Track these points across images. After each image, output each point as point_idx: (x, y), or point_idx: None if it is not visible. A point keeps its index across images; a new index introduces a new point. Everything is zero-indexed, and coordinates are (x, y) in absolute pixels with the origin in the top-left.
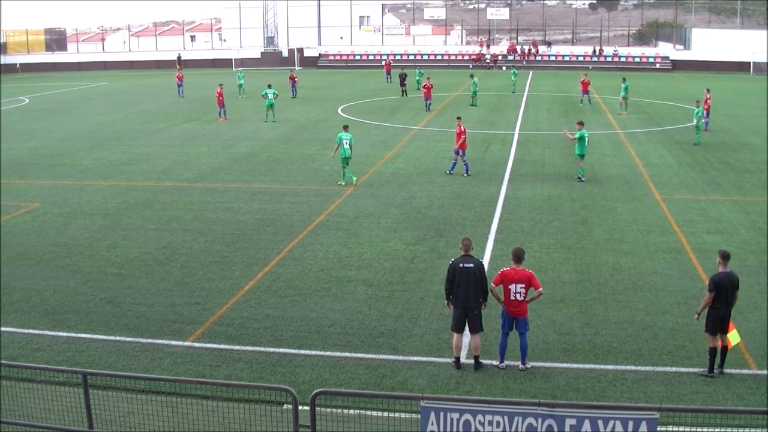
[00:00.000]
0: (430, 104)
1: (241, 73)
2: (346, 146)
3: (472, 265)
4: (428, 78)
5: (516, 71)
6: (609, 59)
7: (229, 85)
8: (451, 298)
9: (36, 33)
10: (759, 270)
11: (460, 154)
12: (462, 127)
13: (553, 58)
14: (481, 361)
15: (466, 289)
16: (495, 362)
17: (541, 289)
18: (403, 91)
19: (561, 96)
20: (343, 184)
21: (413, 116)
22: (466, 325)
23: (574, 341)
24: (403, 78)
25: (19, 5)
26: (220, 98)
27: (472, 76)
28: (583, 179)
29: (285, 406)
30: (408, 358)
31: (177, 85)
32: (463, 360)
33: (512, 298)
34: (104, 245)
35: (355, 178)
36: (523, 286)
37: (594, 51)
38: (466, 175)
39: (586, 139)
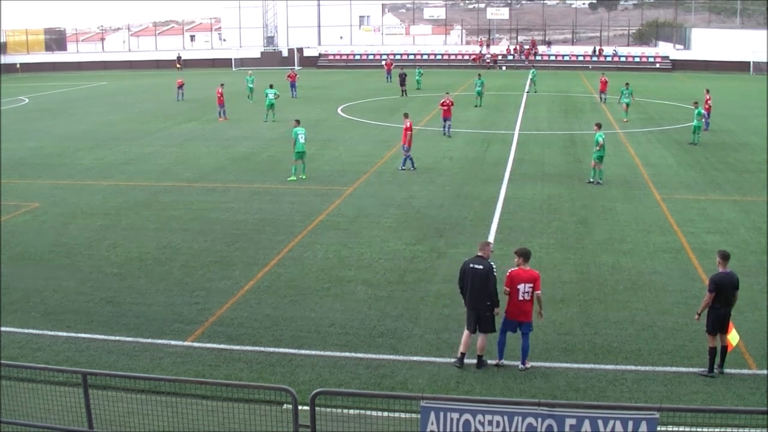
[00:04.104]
0: (450, 126)
1: (251, 76)
2: (302, 141)
3: (481, 267)
4: (447, 92)
5: (535, 71)
6: (609, 59)
7: (233, 85)
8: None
9: (36, 33)
10: (759, 270)
11: (405, 149)
12: (409, 123)
13: (552, 58)
14: (483, 360)
15: (472, 290)
16: (493, 361)
17: (539, 291)
18: (403, 91)
19: (561, 96)
20: (295, 179)
21: (413, 116)
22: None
23: (574, 341)
24: (403, 78)
25: (19, 5)
26: (221, 98)
27: (479, 75)
28: (600, 182)
29: (285, 406)
30: (408, 358)
31: (177, 88)
32: (466, 360)
33: (521, 298)
34: (104, 245)
35: (304, 176)
36: (531, 286)
37: (594, 51)
38: (403, 169)
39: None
